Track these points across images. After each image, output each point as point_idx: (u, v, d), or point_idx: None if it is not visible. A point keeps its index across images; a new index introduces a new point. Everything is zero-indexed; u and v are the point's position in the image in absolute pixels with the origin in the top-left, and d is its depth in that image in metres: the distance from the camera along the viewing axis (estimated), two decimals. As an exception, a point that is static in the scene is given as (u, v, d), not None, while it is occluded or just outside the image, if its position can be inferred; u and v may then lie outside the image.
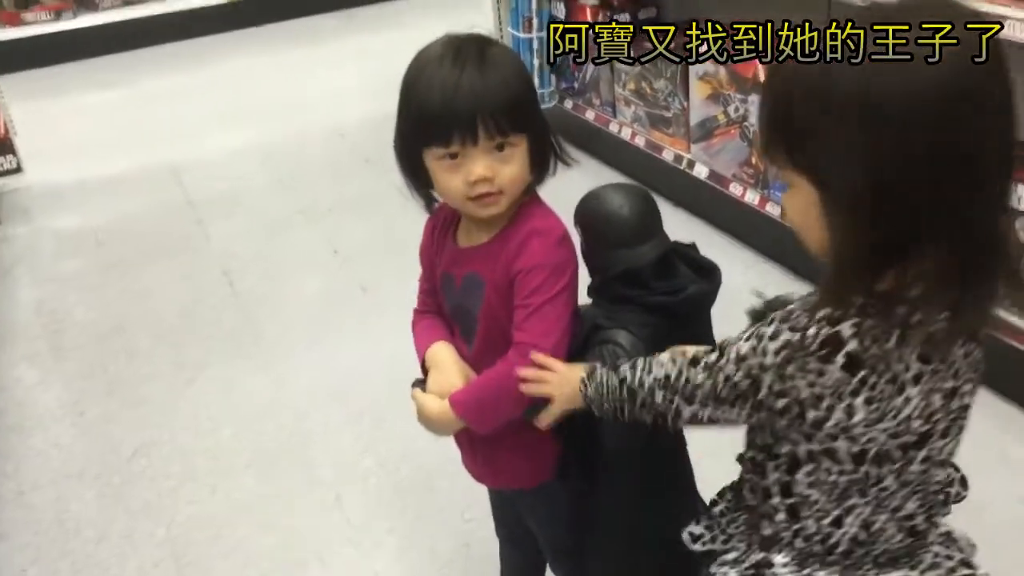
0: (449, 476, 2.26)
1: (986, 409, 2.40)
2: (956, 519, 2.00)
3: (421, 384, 1.43)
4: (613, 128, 3.58)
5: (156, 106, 5.07)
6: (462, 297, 1.39)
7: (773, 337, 0.99)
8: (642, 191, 1.33)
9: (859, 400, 0.96)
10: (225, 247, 3.52)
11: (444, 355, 1.41)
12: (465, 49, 1.27)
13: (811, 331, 0.95)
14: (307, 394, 2.65)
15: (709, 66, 3.01)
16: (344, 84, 5.11)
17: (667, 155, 3.33)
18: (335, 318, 3.00)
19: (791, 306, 1.01)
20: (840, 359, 0.95)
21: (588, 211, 1.33)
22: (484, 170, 1.26)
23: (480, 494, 1.73)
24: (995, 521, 2.04)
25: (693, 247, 1.37)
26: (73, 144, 4.61)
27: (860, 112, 0.88)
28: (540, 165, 1.34)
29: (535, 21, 3.83)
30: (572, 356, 1.32)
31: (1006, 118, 0.91)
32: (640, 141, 3.45)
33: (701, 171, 3.18)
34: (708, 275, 1.33)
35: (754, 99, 2.87)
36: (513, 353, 1.30)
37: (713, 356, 1.09)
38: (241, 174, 4.13)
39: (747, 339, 1.03)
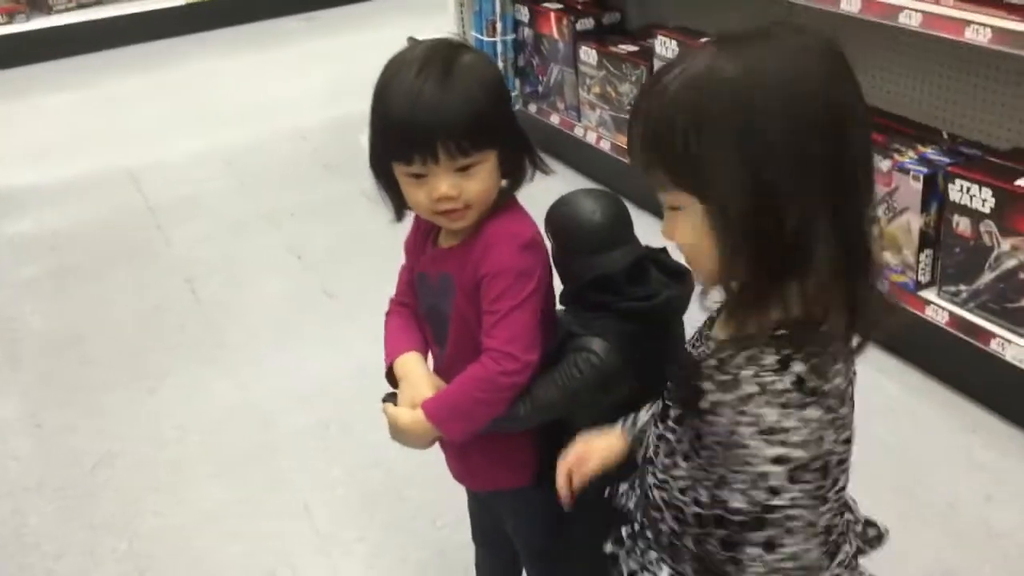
0: (419, 484, 2.24)
1: (954, 411, 2.45)
2: (926, 521, 2.03)
3: (392, 399, 1.40)
4: (578, 132, 3.58)
5: (114, 109, 4.98)
6: (436, 298, 1.38)
7: (785, 404, 0.94)
8: (613, 196, 1.33)
9: (831, 430, 0.97)
10: (186, 253, 3.46)
11: (414, 367, 1.39)
12: (431, 60, 1.23)
13: (780, 385, 0.94)
14: (273, 401, 2.61)
15: (674, 70, 3.02)
16: (306, 87, 5.06)
17: (633, 158, 3.33)
18: (300, 324, 2.97)
19: (735, 367, 0.96)
20: (810, 398, 0.95)
21: (559, 218, 1.32)
22: (448, 189, 1.24)
23: (452, 501, 1.71)
24: (963, 521, 2.06)
25: (664, 252, 1.37)
26: (28, 148, 4.52)
27: (739, 129, 0.90)
28: (514, 175, 1.33)
29: (499, 25, 3.83)
30: (547, 363, 1.31)
31: (868, 130, 0.96)
32: (605, 145, 3.46)
33: (667, 174, 3.18)
34: (680, 279, 1.32)
35: (719, 103, 2.88)
36: (486, 359, 1.29)
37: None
38: (202, 178, 4.07)
39: (760, 435, 0.95)
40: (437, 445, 1.44)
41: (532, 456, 1.44)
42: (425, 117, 1.20)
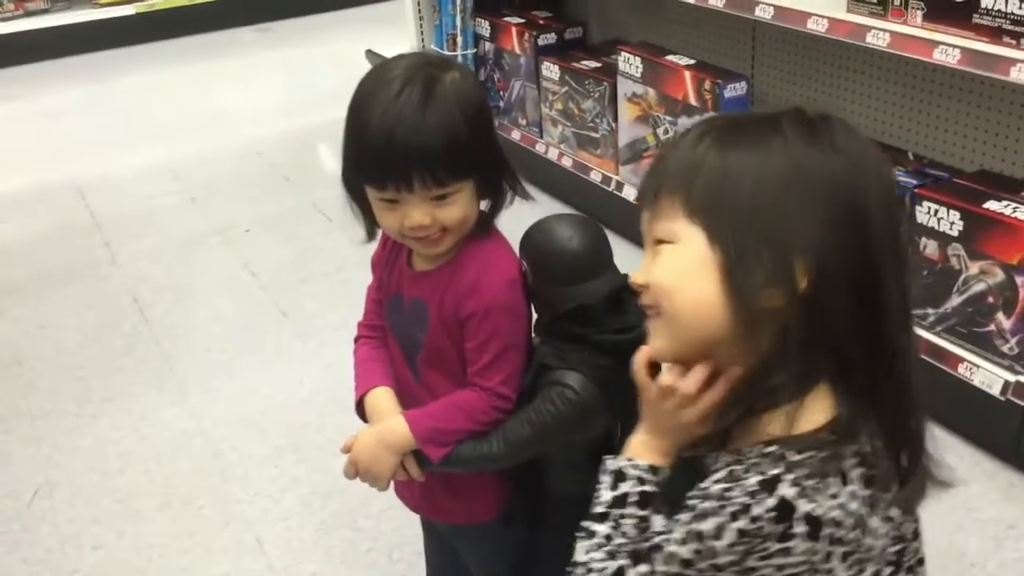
0: (374, 515, 2.16)
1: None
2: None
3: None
4: (540, 148, 3.52)
5: (58, 121, 4.84)
6: (408, 323, 1.32)
7: (718, 535, 0.83)
8: (591, 222, 1.26)
9: (835, 561, 0.85)
10: (134, 271, 3.34)
11: (385, 405, 1.32)
12: (413, 79, 1.16)
13: (756, 510, 0.82)
14: (224, 428, 2.51)
15: (638, 87, 2.98)
16: (261, 100, 4.96)
17: (595, 176, 3.28)
18: (253, 345, 2.86)
19: (707, 485, 0.86)
20: (800, 527, 0.82)
21: (534, 245, 1.25)
22: (422, 217, 1.18)
23: (408, 532, 1.64)
24: (934, 549, 2.02)
25: None
26: (-32, 161, 4.36)
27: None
28: (494, 200, 1.27)
29: (460, 39, 3.76)
30: (521, 397, 1.24)
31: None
32: (567, 162, 3.41)
33: (630, 193, 3.14)
34: None
35: (684, 121, 2.84)
36: (480, 396, 1.25)
37: (640, 570, 0.90)
38: (151, 193, 3.94)
39: (681, 542, 0.86)
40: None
41: (499, 490, 1.38)
42: (401, 145, 1.13)
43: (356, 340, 1.42)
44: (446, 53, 3.76)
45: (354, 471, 1.32)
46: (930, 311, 2.26)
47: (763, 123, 0.90)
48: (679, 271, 0.88)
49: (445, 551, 1.59)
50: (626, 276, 1.28)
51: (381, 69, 1.21)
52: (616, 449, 1.32)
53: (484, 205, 1.29)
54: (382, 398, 1.33)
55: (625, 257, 1.25)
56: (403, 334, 1.34)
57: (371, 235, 1.32)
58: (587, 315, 1.21)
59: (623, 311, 1.23)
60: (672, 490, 0.95)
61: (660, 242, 0.91)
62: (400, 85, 1.15)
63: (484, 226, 1.28)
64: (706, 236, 0.87)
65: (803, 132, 0.88)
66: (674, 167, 0.91)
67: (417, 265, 1.31)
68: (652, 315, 0.93)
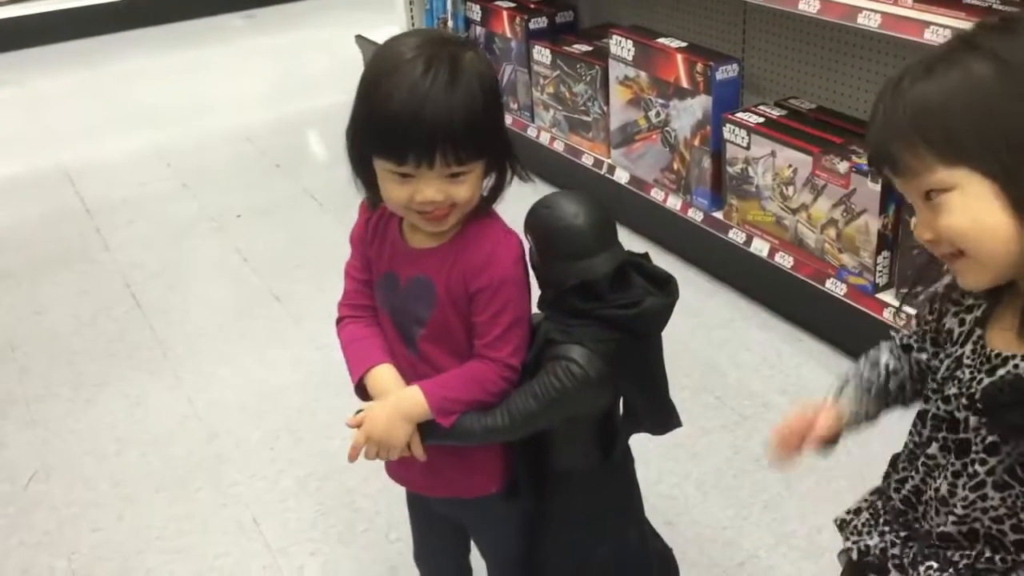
0: (371, 495, 2.18)
1: (910, 413, 2.43)
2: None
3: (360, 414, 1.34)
4: (531, 132, 3.53)
5: (48, 108, 4.81)
6: (407, 300, 1.32)
7: None
8: (596, 199, 1.27)
9: None
10: (127, 256, 3.33)
11: (393, 381, 1.32)
12: (438, 58, 1.17)
13: None
14: (219, 411, 2.51)
15: (629, 70, 2.99)
16: (250, 86, 4.95)
17: (586, 160, 3.30)
18: (247, 329, 2.87)
19: None
20: None
21: (540, 220, 1.26)
22: (435, 194, 1.21)
23: (404, 513, 1.64)
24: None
25: (646, 257, 1.32)
26: (-44, 148, 4.34)
27: None
28: (497, 181, 1.29)
29: (451, 23, 3.76)
30: (525, 371, 1.26)
31: None
32: (559, 146, 3.42)
33: (622, 176, 3.15)
34: (664, 286, 1.27)
35: (675, 104, 2.85)
36: (491, 367, 1.27)
37: None
38: (142, 179, 3.93)
39: None
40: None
41: (504, 462, 1.39)
42: (430, 123, 1.15)
43: (339, 321, 1.41)
44: (437, 37, 3.75)
45: (364, 442, 1.31)
46: (920, 289, 2.28)
47: (951, 50, 0.94)
48: (967, 213, 0.92)
49: (437, 535, 1.60)
50: (630, 252, 1.29)
51: (396, 46, 1.21)
52: (618, 424, 1.35)
53: (485, 185, 1.30)
54: (387, 374, 1.33)
55: (632, 239, 1.27)
56: (399, 311, 1.34)
57: (373, 205, 1.33)
58: (592, 290, 1.23)
59: (627, 286, 1.25)
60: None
61: (929, 193, 0.94)
62: (425, 64, 1.16)
63: (486, 205, 1.30)
64: (970, 173, 0.91)
65: (994, 36, 0.92)
66: (898, 121, 0.94)
67: (415, 242, 1.32)
68: (953, 259, 0.97)
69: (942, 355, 1.07)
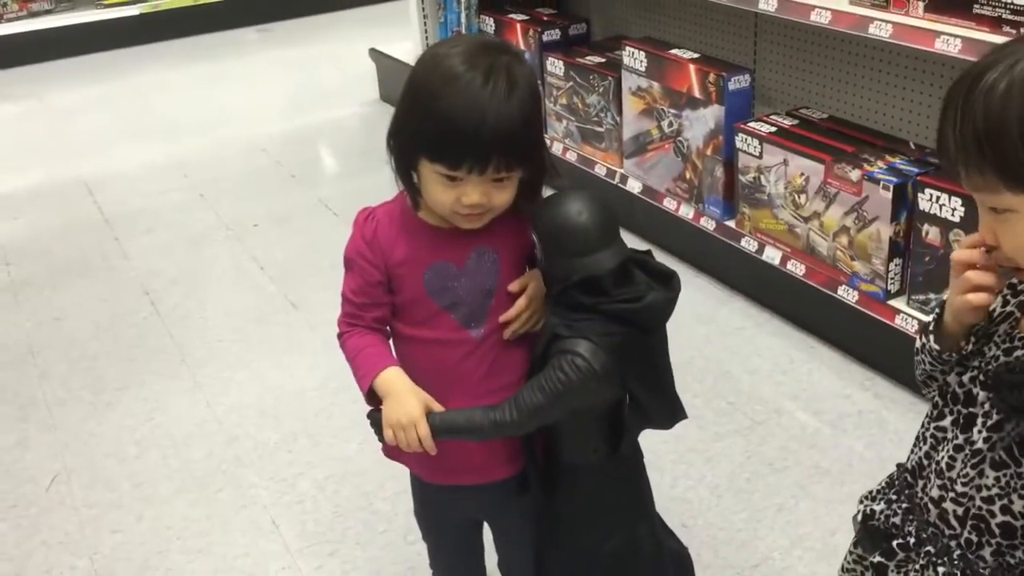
0: (389, 498, 2.20)
1: (921, 417, 2.45)
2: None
3: (376, 415, 1.37)
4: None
5: (66, 120, 4.88)
6: (471, 277, 1.35)
7: None
8: (600, 197, 1.31)
9: None
10: (145, 264, 3.38)
11: (399, 383, 1.35)
12: (496, 69, 1.23)
13: None
14: (237, 415, 2.55)
15: (642, 81, 3.03)
16: (265, 99, 5.01)
17: (599, 170, 3.33)
18: (264, 336, 2.90)
19: None
20: None
21: (546, 219, 1.30)
22: (480, 198, 1.27)
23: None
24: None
25: (649, 254, 1.35)
26: (-23, 159, 4.40)
27: None
28: (533, 190, 1.35)
29: (464, 35, 3.80)
30: (532, 366, 1.29)
31: None
32: (572, 156, 3.45)
33: (634, 186, 3.18)
34: (666, 282, 1.31)
35: (688, 114, 2.89)
36: None
37: None
38: (159, 189, 3.98)
39: None
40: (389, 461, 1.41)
41: (518, 448, 1.43)
42: (491, 132, 1.21)
43: (341, 336, 1.42)
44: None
45: (391, 434, 1.34)
46: (932, 296, 2.30)
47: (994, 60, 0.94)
48: (1017, 236, 0.95)
49: (452, 534, 1.62)
50: (633, 249, 1.33)
51: (446, 56, 1.25)
52: (624, 418, 1.37)
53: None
54: (392, 376, 1.35)
55: (629, 245, 1.31)
56: (464, 294, 1.36)
57: (417, 207, 1.36)
58: (596, 285, 1.26)
59: (631, 282, 1.28)
60: None
61: (997, 210, 0.96)
62: (484, 75, 1.22)
63: (526, 206, 1.35)
64: None
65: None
66: (967, 137, 0.93)
67: (457, 225, 1.34)
68: (1008, 263, 1.00)
69: (978, 330, 1.09)
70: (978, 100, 0.91)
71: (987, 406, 1.03)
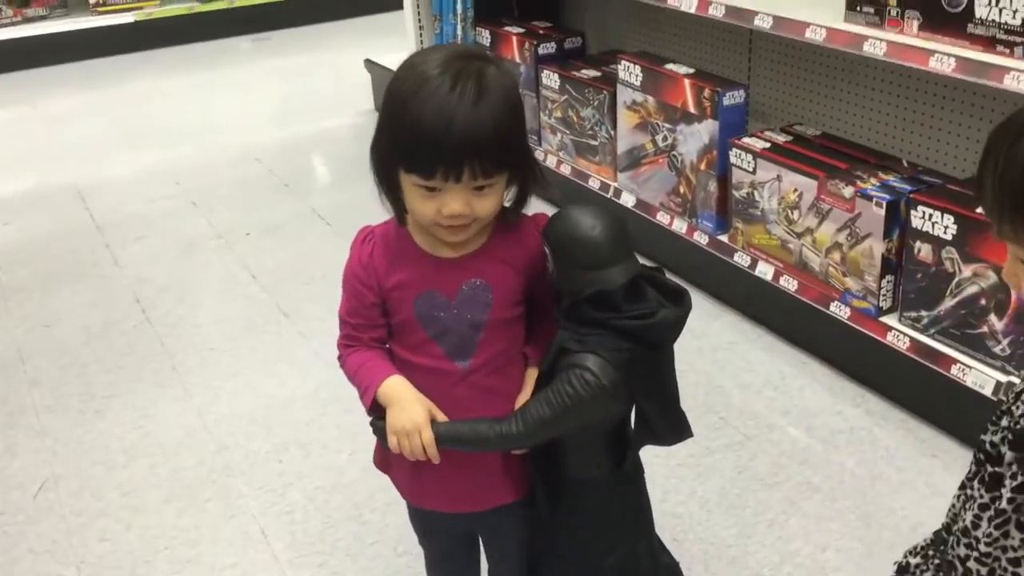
0: (379, 509, 2.19)
1: (914, 436, 2.46)
2: (892, 546, 2.03)
3: (379, 422, 1.36)
4: (538, 156, 3.57)
5: (60, 126, 4.87)
6: (460, 310, 1.33)
7: None
8: (612, 212, 1.31)
9: None
10: (136, 272, 3.36)
11: (402, 390, 1.34)
12: (464, 74, 1.20)
13: None
14: (228, 424, 2.53)
15: (637, 95, 3.04)
16: (259, 108, 5.01)
17: (593, 183, 3.34)
18: (256, 344, 2.89)
19: None
20: None
21: (558, 232, 1.29)
22: (461, 207, 1.24)
23: (411, 527, 1.66)
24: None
25: (660, 271, 1.35)
26: (-32, 164, 4.39)
27: None
28: (520, 194, 1.34)
29: (460, 48, 3.81)
30: (540, 379, 1.28)
31: None
32: (566, 169, 3.46)
33: (628, 199, 3.19)
34: (677, 299, 1.30)
35: (682, 128, 2.90)
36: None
37: None
38: (151, 197, 3.97)
39: None
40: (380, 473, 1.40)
41: (520, 465, 1.42)
42: (459, 138, 1.18)
43: (341, 357, 1.42)
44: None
45: (395, 441, 1.33)
46: (924, 313, 2.31)
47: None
48: None
49: (448, 542, 1.61)
50: (644, 266, 1.33)
51: (422, 62, 1.24)
52: (630, 434, 1.37)
53: (507, 196, 1.34)
54: (395, 384, 1.34)
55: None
56: (450, 325, 1.34)
57: (401, 221, 1.35)
58: (607, 301, 1.25)
59: (642, 298, 1.27)
60: None
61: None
62: (452, 80, 1.19)
63: (513, 216, 1.35)
64: None
65: None
66: (1002, 190, 0.95)
67: (446, 254, 1.33)
68: None
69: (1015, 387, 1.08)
70: (1021, 153, 0.91)
71: (1014, 467, 1.01)
